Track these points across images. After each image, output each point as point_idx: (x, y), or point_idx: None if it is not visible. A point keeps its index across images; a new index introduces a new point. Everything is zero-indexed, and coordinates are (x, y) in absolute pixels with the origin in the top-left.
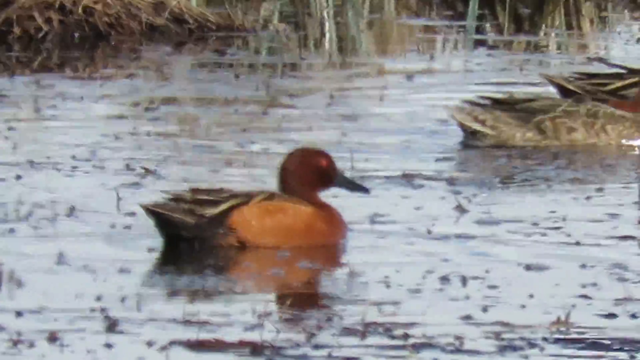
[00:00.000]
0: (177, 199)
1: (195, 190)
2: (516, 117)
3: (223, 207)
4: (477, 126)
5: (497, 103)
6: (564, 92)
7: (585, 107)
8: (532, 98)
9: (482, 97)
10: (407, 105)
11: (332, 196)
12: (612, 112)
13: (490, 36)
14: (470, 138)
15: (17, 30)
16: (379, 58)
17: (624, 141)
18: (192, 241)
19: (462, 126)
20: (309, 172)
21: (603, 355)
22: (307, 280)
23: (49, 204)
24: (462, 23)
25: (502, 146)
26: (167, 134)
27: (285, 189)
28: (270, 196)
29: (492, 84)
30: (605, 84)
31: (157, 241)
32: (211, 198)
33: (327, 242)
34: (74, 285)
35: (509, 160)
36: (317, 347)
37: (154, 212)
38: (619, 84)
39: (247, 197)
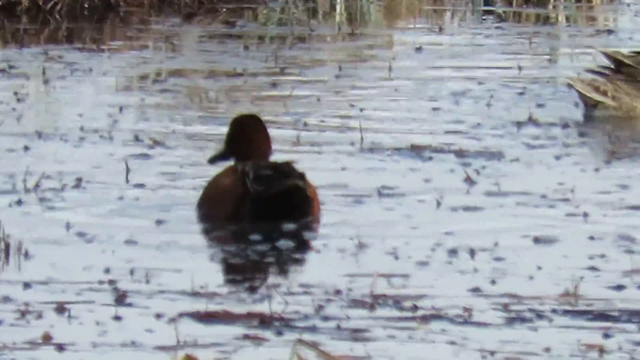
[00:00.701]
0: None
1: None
2: (637, 88)
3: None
4: (598, 97)
5: (618, 72)
6: (619, 67)
7: None
8: None
9: (605, 67)
10: (415, 77)
11: (341, 169)
12: None
13: (499, 8)
14: (591, 110)
15: (25, 1)
16: (388, 30)
17: None
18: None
19: (583, 97)
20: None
21: (611, 326)
22: (315, 251)
23: (56, 175)
24: None
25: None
26: (176, 105)
27: (252, 156)
28: None
29: (501, 59)
30: None
31: (165, 213)
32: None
33: None
34: (82, 257)
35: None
36: (325, 318)
37: (302, 188)
38: None
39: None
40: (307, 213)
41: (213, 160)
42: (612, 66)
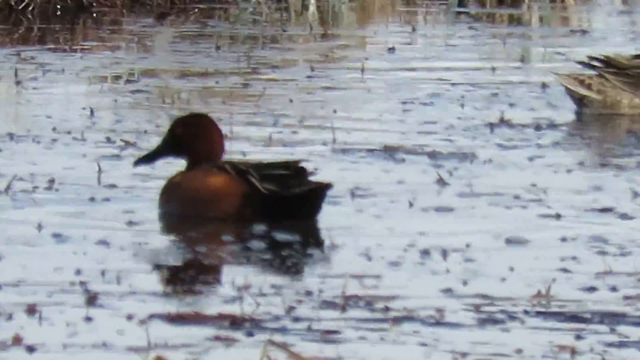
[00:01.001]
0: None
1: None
2: (626, 83)
3: None
4: (583, 91)
5: (608, 66)
6: (620, 70)
7: None
8: None
9: (594, 59)
10: (388, 78)
11: (313, 169)
12: None
13: (473, 9)
14: (579, 104)
15: None
16: (360, 30)
17: None
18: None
19: (569, 91)
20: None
21: (583, 328)
22: (286, 252)
23: (29, 176)
24: None
25: (609, 113)
26: (148, 106)
27: (207, 155)
28: None
29: (475, 59)
30: None
31: (136, 214)
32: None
33: None
34: (53, 258)
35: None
36: (296, 319)
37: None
38: None
39: None
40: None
41: (144, 160)
42: (604, 63)
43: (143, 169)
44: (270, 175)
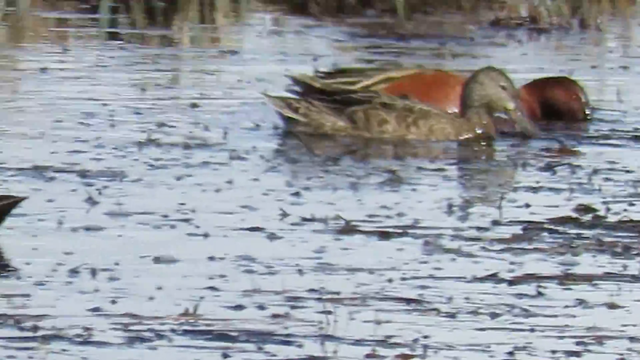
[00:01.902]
0: None
1: None
2: (331, 108)
3: None
4: (289, 113)
5: (317, 92)
6: (311, 91)
7: (403, 102)
8: (354, 89)
9: (304, 83)
10: (40, 97)
11: None
12: (428, 110)
13: (124, 30)
14: (287, 124)
15: None
16: (11, 50)
17: (434, 137)
18: None
19: (277, 112)
20: None
21: (230, 346)
22: None
23: None
24: (96, 16)
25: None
26: None
27: None
28: None
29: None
30: (353, 82)
31: None
32: None
33: None
34: None
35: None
36: None
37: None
38: (367, 82)
39: None
40: None
41: None
42: (305, 88)
43: None
44: None
